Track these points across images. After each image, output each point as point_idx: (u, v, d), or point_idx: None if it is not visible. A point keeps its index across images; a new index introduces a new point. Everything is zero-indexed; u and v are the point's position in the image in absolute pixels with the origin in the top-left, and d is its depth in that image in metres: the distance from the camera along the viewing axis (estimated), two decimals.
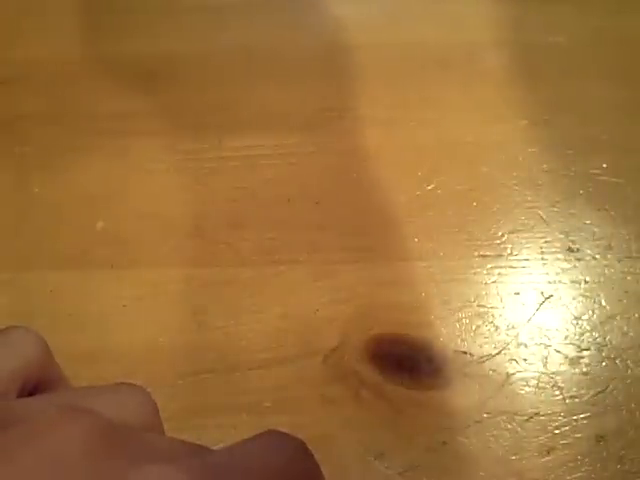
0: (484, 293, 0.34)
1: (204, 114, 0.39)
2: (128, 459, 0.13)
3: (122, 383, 0.18)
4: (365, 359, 0.32)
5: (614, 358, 0.32)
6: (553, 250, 0.35)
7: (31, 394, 0.18)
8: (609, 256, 0.35)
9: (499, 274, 0.34)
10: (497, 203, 0.36)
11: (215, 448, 0.15)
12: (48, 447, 0.13)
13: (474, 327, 0.33)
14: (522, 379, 0.32)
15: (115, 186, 0.37)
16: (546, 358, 0.32)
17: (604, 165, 0.37)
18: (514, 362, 0.32)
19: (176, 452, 0.14)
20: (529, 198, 0.36)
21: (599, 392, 0.31)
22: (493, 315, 0.33)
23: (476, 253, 0.35)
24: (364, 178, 0.37)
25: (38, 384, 0.18)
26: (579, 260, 0.35)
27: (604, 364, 0.32)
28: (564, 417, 0.31)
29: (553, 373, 0.32)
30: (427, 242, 0.35)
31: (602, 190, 0.36)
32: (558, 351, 0.32)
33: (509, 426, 0.31)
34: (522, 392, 0.32)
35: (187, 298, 0.34)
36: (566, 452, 0.30)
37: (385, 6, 0.43)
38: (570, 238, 0.35)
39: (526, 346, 0.33)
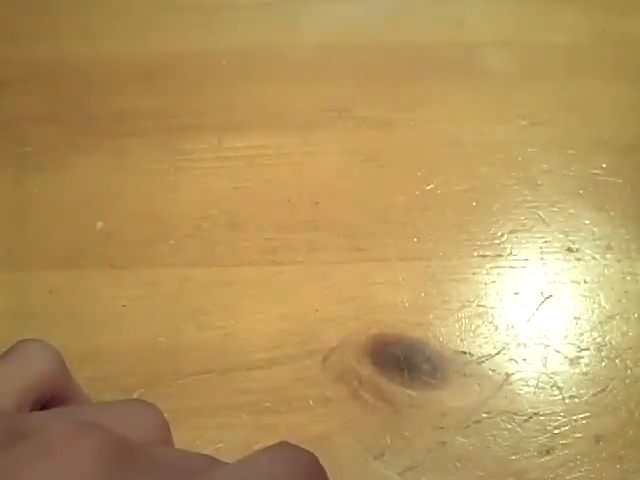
0: (484, 293, 0.34)
1: (203, 114, 0.39)
2: (139, 475, 0.13)
3: (132, 399, 0.18)
4: (365, 359, 0.32)
5: (613, 358, 0.32)
6: (552, 250, 0.35)
7: (44, 408, 0.18)
8: (608, 256, 0.35)
9: (499, 274, 0.34)
10: (497, 203, 0.36)
11: (227, 460, 0.15)
12: (60, 462, 0.13)
13: (473, 327, 0.33)
14: (521, 379, 0.32)
15: (114, 186, 0.37)
16: (545, 358, 0.32)
17: (604, 165, 0.37)
18: (513, 362, 0.32)
19: (187, 467, 0.14)
20: (529, 198, 0.36)
21: (598, 392, 0.31)
22: (493, 315, 0.33)
23: (476, 253, 0.35)
24: (364, 178, 0.37)
25: (52, 398, 0.18)
26: (578, 260, 0.35)
27: (603, 364, 0.32)
28: (563, 417, 0.31)
29: (553, 373, 0.32)
30: (427, 242, 0.35)
31: (602, 190, 0.36)
32: (558, 351, 0.32)
33: (508, 426, 0.31)
34: (521, 392, 0.32)
35: (187, 298, 0.34)
36: (565, 452, 0.30)
37: (385, 6, 0.43)
38: (569, 238, 0.35)
39: (525, 346, 0.33)
